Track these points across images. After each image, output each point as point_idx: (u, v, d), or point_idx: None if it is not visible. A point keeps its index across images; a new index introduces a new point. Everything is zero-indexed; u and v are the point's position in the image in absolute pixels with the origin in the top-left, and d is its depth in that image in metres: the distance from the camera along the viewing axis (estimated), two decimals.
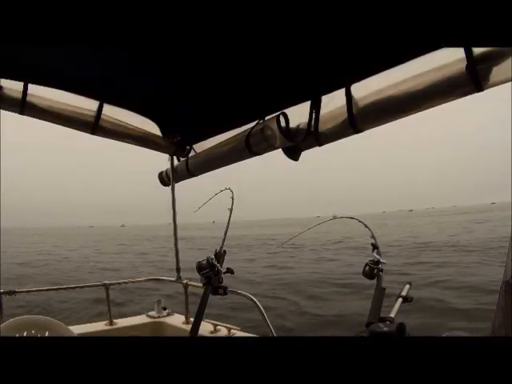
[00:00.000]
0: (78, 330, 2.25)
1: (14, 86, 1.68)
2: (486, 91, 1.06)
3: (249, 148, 1.75)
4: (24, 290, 2.50)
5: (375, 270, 1.22)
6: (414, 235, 25.24)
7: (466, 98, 1.12)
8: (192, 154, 2.35)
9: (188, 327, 2.02)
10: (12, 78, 1.65)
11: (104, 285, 2.56)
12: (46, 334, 1.56)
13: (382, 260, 1.23)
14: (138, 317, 2.70)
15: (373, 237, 1.32)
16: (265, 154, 1.77)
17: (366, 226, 1.38)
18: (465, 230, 27.21)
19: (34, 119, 1.82)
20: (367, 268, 1.23)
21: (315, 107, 1.52)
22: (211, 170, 2.19)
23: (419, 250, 16.23)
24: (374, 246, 1.29)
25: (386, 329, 0.90)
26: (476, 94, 1.08)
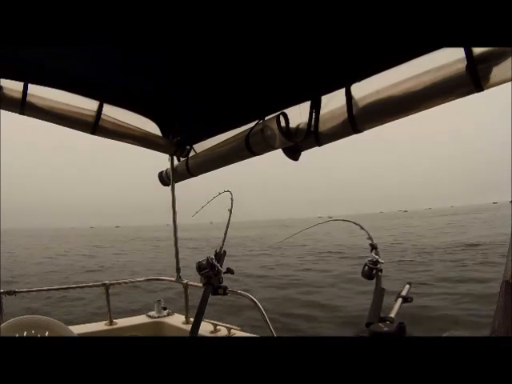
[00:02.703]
0: (78, 329, 2.25)
1: (14, 86, 1.68)
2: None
3: (249, 148, 1.74)
4: (24, 290, 2.50)
5: (374, 271, 1.21)
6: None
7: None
8: (192, 153, 2.35)
9: (188, 327, 2.02)
10: (12, 78, 1.65)
11: (104, 285, 2.57)
12: (46, 334, 1.56)
13: (380, 260, 1.23)
14: (138, 317, 2.70)
15: (370, 238, 1.32)
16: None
17: (362, 228, 1.38)
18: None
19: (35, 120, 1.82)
20: (366, 268, 1.22)
21: (315, 107, 1.52)
22: (211, 169, 2.19)
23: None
24: (373, 247, 1.28)
25: (386, 329, 0.90)
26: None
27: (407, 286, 1.18)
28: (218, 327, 2.30)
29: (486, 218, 44.19)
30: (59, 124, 1.87)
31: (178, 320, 2.59)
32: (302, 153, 1.68)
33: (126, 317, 2.70)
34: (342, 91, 1.41)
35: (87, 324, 2.60)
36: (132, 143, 2.16)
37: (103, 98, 1.95)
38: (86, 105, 1.91)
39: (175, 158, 2.47)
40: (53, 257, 21.17)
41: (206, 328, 2.26)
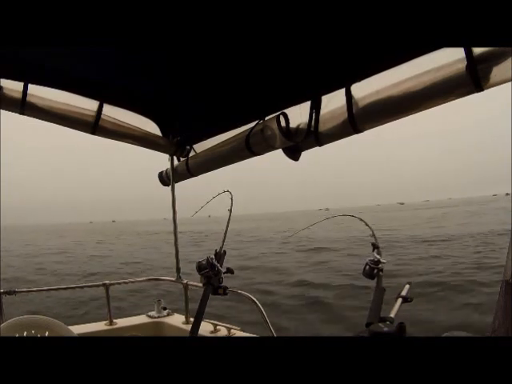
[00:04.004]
0: (77, 329, 2.25)
1: (14, 86, 1.68)
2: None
3: (249, 148, 1.74)
4: (24, 289, 2.50)
5: (375, 270, 1.21)
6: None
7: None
8: (192, 153, 2.35)
9: (188, 327, 2.02)
10: (12, 78, 1.65)
11: (104, 285, 2.57)
12: (46, 334, 1.56)
13: (382, 260, 1.22)
14: (138, 317, 2.71)
15: (373, 235, 1.31)
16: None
17: (367, 224, 1.37)
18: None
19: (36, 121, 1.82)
20: (367, 268, 1.22)
21: (315, 107, 1.52)
22: (211, 170, 2.19)
23: None
24: (374, 246, 1.28)
25: (386, 329, 0.90)
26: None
27: (407, 286, 1.18)
28: (217, 327, 2.30)
29: (475, 210, 44.20)
30: (59, 124, 1.87)
31: (178, 320, 2.59)
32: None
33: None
34: (342, 91, 1.41)
35: (87, 324, 2.60)
36: (132, 143, 2.16)
37: (103, 98, 1.95)
38: (86, 105, 1.91)
39: (175, 157, 2.47)
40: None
41: (206, 328, 2.26)
